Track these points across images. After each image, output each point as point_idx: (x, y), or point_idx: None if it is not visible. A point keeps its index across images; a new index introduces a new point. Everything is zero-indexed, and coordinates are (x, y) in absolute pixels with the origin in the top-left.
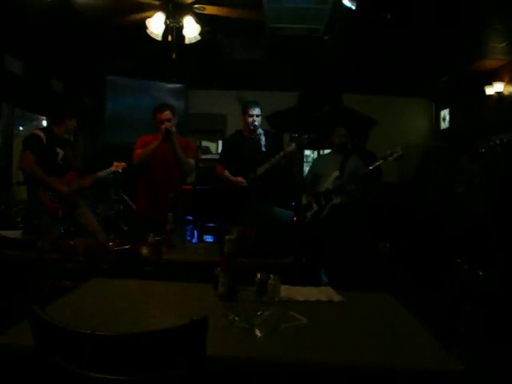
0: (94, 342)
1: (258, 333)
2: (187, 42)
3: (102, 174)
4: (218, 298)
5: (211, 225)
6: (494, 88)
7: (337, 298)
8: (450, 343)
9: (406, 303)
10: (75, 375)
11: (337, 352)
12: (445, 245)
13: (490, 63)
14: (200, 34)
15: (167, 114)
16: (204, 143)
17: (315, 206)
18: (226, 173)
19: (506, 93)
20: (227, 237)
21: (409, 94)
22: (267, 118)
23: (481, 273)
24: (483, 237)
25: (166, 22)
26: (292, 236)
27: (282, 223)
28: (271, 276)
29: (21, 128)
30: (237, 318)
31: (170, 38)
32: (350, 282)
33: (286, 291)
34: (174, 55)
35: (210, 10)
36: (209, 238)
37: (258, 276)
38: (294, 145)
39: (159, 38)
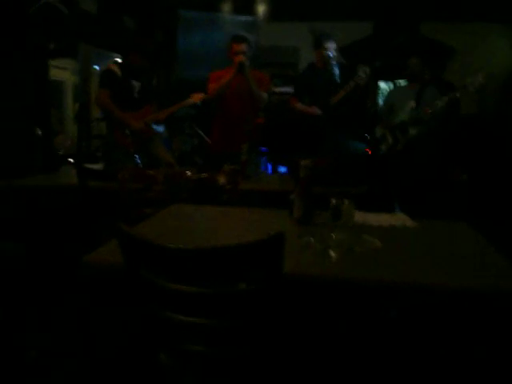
0: (176, 255)
1: (332, 254)
2: None
3: (180, 104)
4: (294, 222)
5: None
6: None
7: (411, 223)
8: None
9: (483, 233)
10: (159, 287)
11: (411, 273)
12: None
13: None
14: None
15: (244, 46)
16: (276, 78)
17: (390, 139)
18: (300, 105)
19: None
20: (303, 162)
21: (492, 19)
22: (341, 50)
23: None
24: None
25: None
26: (366, 167)
27: (355, 155)
28: (345, 201)
29: (96, 67)
30: (312, 239)
31: None
32: (424, 211)
33: (360, 216)
34: None
35: None
36: (283, 169)
37: (333, 201)
38: (367, 69)
39: None
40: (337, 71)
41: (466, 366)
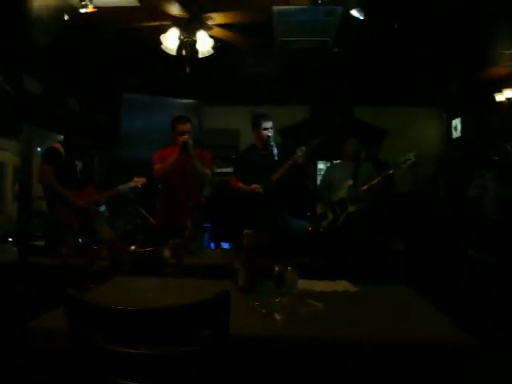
0: (122, 317)
1: (277, 316)
2: (201, 55)
3: (121, 188)
4: (239, 290)
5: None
6: (504, 95)
7: (353, 288)
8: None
9: (421, 295)
10: (107, 351)
11: (353, 330)
12: (458, 241)
13: (499, 70)
14: (213, 48)
15: (188, 126)
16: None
17: (330, 215)
18: (241, 184)
19: None
20: (245, 231)
21: (420, 103)
22: (280, 132)
23: (490, 259)
24: (495, 240)
25: (179, 37)
26: (308, 243)
27: (297, 233)
28: (289, 268)
29: (39, 149)
30: (257, 304)
31: (184, 52)
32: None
33: (303, 284)
34: (187, 68)
35: (219, 19)
36: (226, 245)
37: (276, 269)
38: (303, 148)
39: (174, 53)
40: (275, 151)
41: None
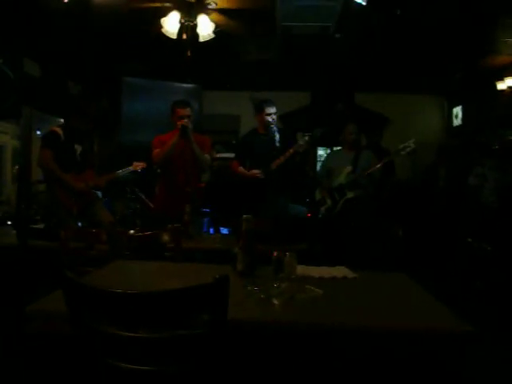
0: (122, 300)
1: (275, 301)
2: (201, 39)
3: (120, 173)
4: (237, 275)
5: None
6: (506, 83)
7: (351, 275)
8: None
9: (420, 283)
10: (106, 335)
11: (351, 317)
12: (457, 230)
13: (501, 58)
14: (214, 32)
15: (188, 110)
16: (218, 144)
17: (329, 201)
18: (241, 169)
19: None
20: (244, 216)
21: (421, 91)
22: (281, 117)
23: (489, 247)
24: (494, 228)
25: (180, 21)
26: (306, 228)
27: (296, 218)
28: (287, 254)
29: (38, 132)
30: (255, 288)
31: (184, 35)
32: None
33: (301, 270)
34: (189, 52)
35: (221, 3)
36: (224, 231)
37: (275, 254)
38: (307, 137)
39: (174, 37)
40: (277, 136)
41: None
